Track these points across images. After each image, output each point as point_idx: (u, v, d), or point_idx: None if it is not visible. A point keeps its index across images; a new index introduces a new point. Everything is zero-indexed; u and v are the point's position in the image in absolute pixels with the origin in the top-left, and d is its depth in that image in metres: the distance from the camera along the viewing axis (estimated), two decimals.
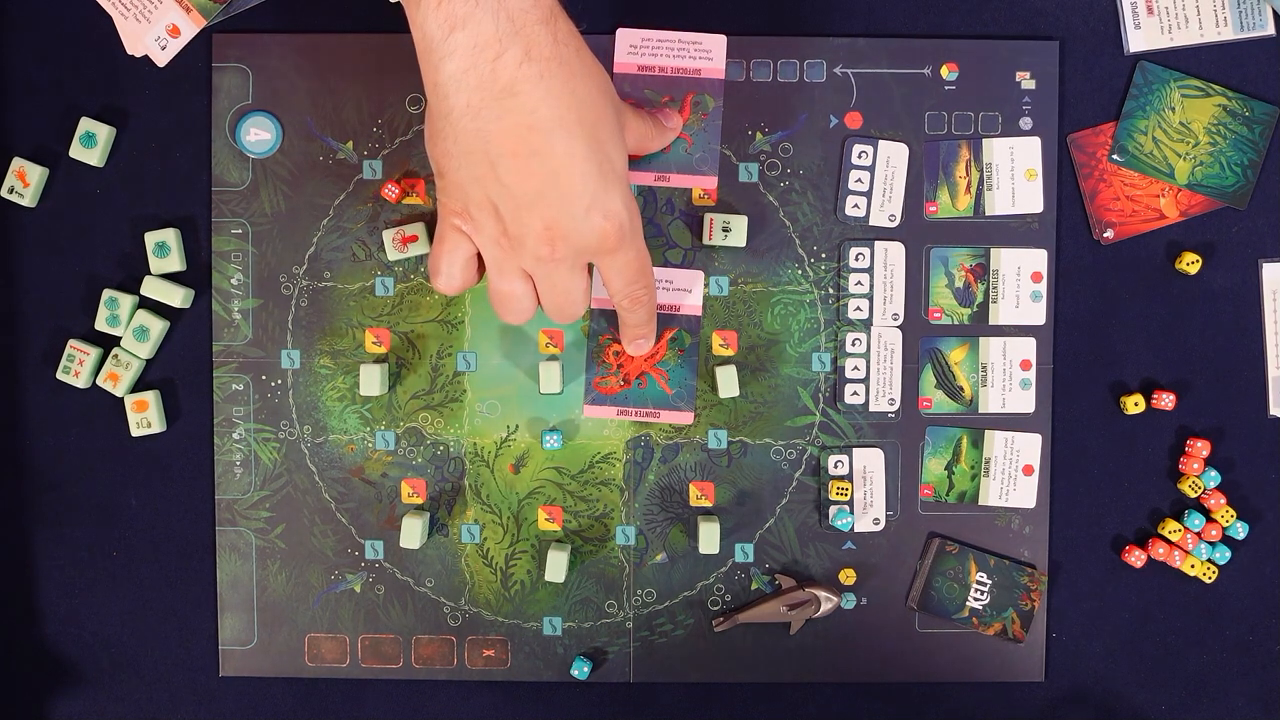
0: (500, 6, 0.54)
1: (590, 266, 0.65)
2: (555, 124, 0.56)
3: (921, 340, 0.74)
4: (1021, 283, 0.74)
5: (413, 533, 0.72)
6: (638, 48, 0.72)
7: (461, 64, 0.55)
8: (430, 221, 0.73)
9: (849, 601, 0.75)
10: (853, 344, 0.74)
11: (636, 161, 0.72)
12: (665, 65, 0.72)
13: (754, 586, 0.75)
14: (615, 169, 0.60)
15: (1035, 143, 0.73)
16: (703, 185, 0.73)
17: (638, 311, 0.67)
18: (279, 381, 0.74)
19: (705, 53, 0.72)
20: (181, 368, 0.74)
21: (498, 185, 0.58)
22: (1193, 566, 0.75)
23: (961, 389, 0.74)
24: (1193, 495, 0.75)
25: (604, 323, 0.73)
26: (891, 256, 0.73)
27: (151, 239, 0.72)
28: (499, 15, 0.54)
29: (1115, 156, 0.74)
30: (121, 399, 0.73)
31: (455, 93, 0.56)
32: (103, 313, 0.73)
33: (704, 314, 0.73)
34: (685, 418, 0.73)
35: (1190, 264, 0.73)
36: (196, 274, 0.73)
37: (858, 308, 0.74)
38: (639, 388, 0.73)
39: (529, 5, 0.55)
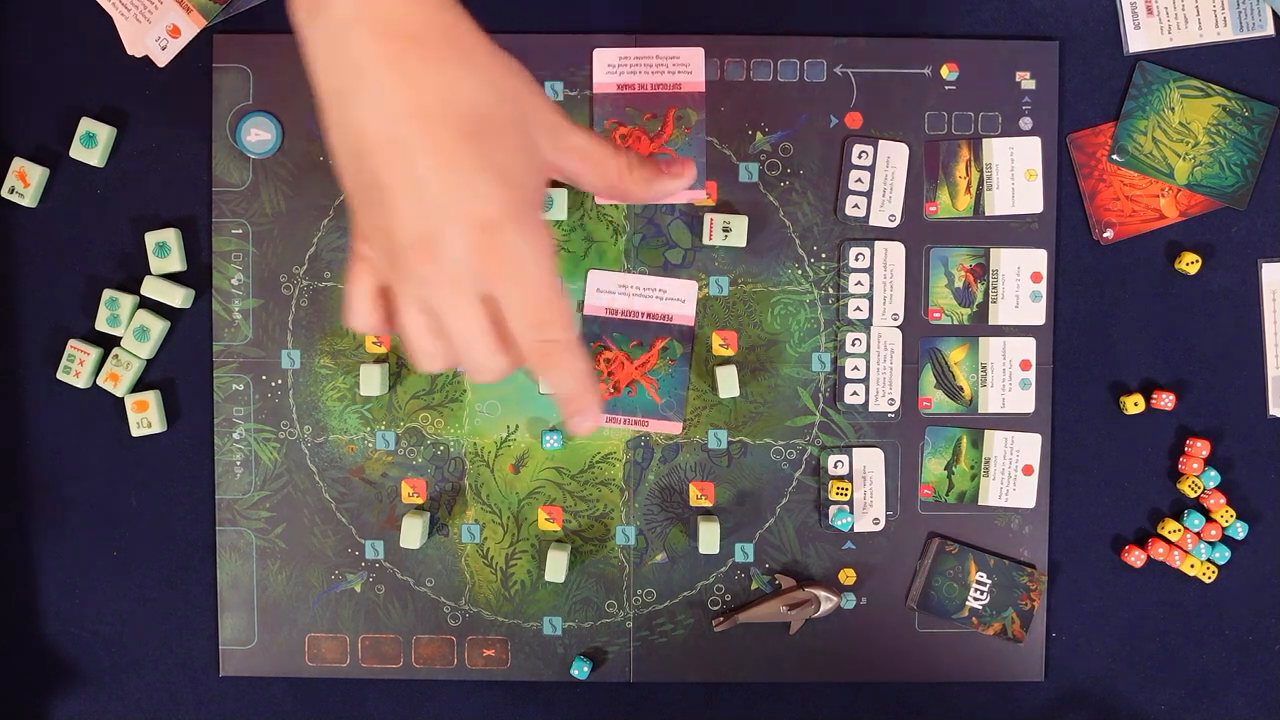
0: None
1: None
2: (418, 115, 0.49)
3: (921, 340, 0.74)
4: (1021, 283, 0.74)
5: (413, 533, 0.72)
6: (615, 66, 0.72)
7: (320, 44, 0.50)
8: None
9: (849, 601, 0.75)
10: (853, 344, 0.74)
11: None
12: (644, 82, 0.72)
13: (754, 586, 0.75)
14: (502, 171, 0.50)
15: (1035, 143, 0.73)
16: (691, 199, 0.73)
17: (555, 374, 0.53)
18: (279, 381, 0.74)
19: (684, 66, 0.72)
20: (181, 368, 0.74)
21: (368, 187, 0.50)
22: (1192, 566, 0.75)
23: (961, 389, 0.74)
24: (1192, 495, 0.75)
25: (595, 328, 0.73)
26: (891, 256, 0.73)
27: (152, 239, 0.72)
28: None
29: (1115, 156, 0.74)
30: (121, 399, 0.73)
31: (321, 79, 0.50)
32: (103, 313, 0.73)
33: (705, 314, 0.73)
34: (674, 427, 0.73)
35: (1190, 264, 0.73)
36: (197, 274, 0.73)
37: (858, 308, 0.74)
38: (629, 396, 0.73)
39: None
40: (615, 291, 0.73)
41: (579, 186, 0.57)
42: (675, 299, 0.73)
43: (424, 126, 0.49)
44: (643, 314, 0.73)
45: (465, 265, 0.50)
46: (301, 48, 0.51)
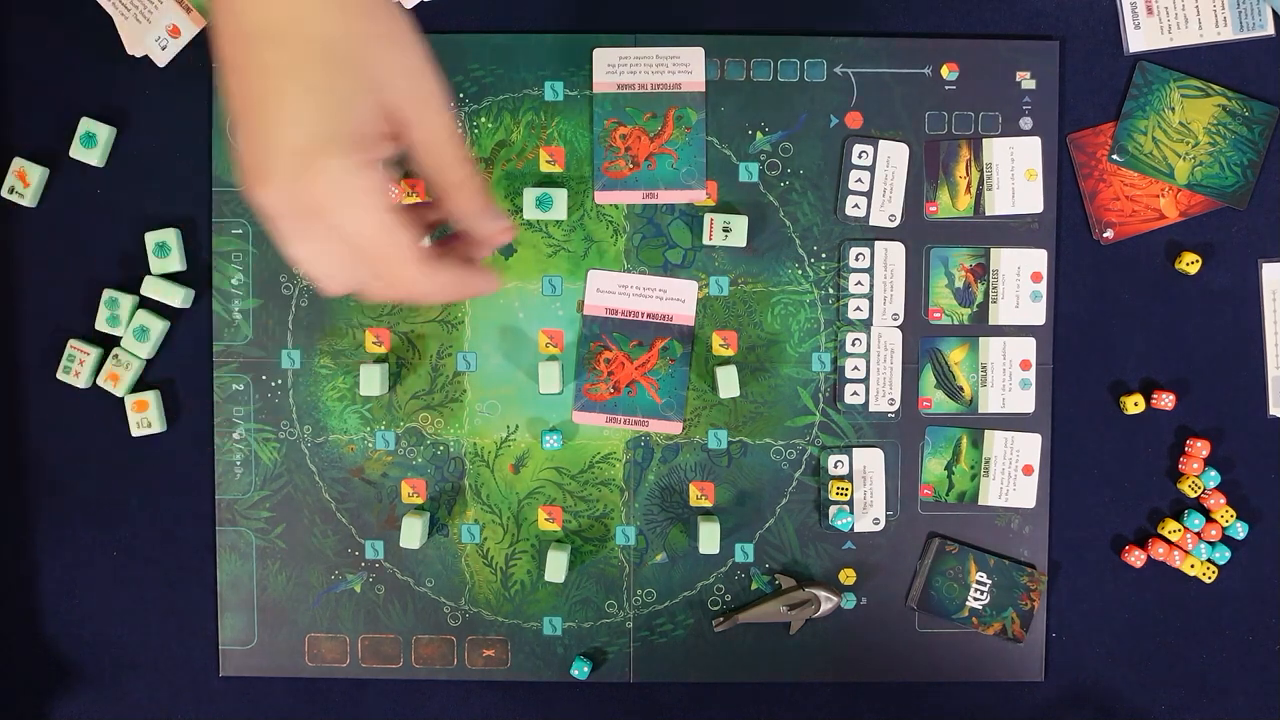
0: None
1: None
2: (261, 33, 0.49)
3: (921, 340, 0.74)
4: (1021, 283, 0.74)
5: (413, 533, 0.72)
6: (615, 66, 0.72)
7: None
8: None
9: (849, 601, 0.75)
10: (853, 344, 0.74)
11: (622, 180, 0.72)
12: (644, 81, 0.72)
13: (754, 586, 0.75)
14: (326, 104, 0.49)
15: (1035, 143, 0.73)
16: (691, 199, 0.73)
17: (391, 293, 0.53)
18: (279, 381, 0.74)
19: (684, 66, 0.72)
20: (181, 368, 0.74)
21: (231, 111, 0.51)
22: (1193, 566, 0.75)
23: (961, 389, 0.74)
24: (1192, 495, 0.75)
25: (595, 329, 0.73)
26: (891, 256, 0.73)
27: (151, 239, 0.72)
28: None
29: (1115, 156, 0.74)
30: (121, 399, 0.73)
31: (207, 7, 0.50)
32: (103, 313, 0.73)
33: (705, 314, 0.73)
34: (674, 427, 0.73)
35: (1190, 264, 0.73)
36: (197, 274, 0.73)
37: (858, 308, 0.74)
38: (629, 396, 0.73)
39: None
40: (615, 291, 0.73)
41: (414, 157, 0.53)
42: (675, 299, 0.73)
43: (268, 49, 0.49)
44: (643, 314, 0.73)
45: (288, 191, 0.49)
46: None
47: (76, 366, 0.73)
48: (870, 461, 0.74)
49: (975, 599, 0.74)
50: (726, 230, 0.72)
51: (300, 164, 0.48)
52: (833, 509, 0.73)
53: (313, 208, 0.49)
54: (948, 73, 0.73)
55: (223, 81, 0.50)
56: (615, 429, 0.74)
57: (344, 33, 0.50)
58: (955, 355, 0.74)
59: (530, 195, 0.72)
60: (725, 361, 0.73)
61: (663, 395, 0.73)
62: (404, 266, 0.51)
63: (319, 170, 0.49)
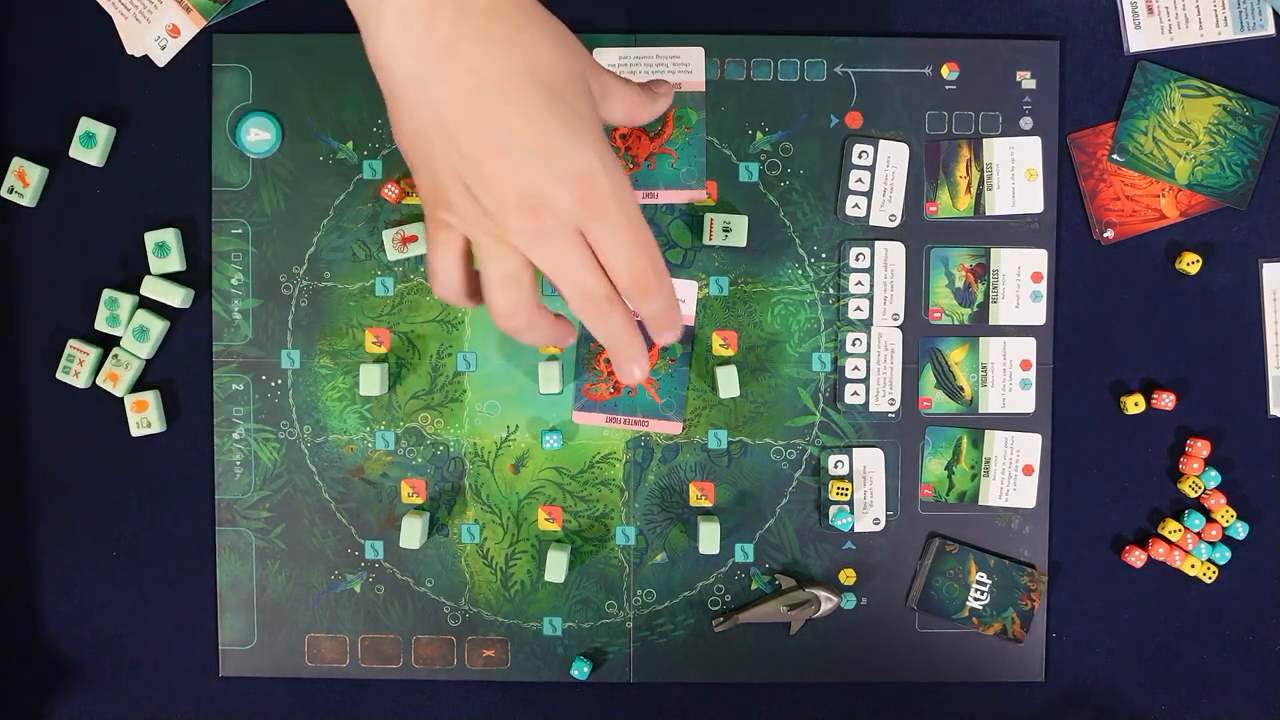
0: None
1: None
2: (504, 81, 0.52)
3: (921, 340, 0.74)
4: (1021, 283, 0.74)
5: (413, 533, 0.72)
6: (615, 66, 0.72)
7: (394, 30, 0.51)
8: None
9: (849, 601, 0.75)
10: (853, 344, 0.74)
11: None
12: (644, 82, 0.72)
13: (754, 586, 0.75)
14: (583, 123, 0.54)
15: (1035, 143, 0.73)
16: (691, 198, 0.73)
17: (652, 301, 0.58)
18: (279, 381, 0.74)
19: (684, 66, 0.72)
20: (181, 368, 0.74)
21: (461, 159, 0.53)
22: (1193, 566, 0.75)
23: (961, 389, 0.74)
24: (1193, 495, 0.75)
25: None
26: (892, 256, 0.73)
27: (151, 239, 0.72)
28: None
29: (1115, 156, 0.74)
30: (121, 399, 0.73)
31: (394, 63, 0.52)
32: (103, 313, 0.73)
33: (705, 314, 0.73)
34: (674, 427, 0.73)
35: (1190, 264, 0.73)
36: (196, 274, 0.73)
37: (858, 308, 0.74)
38: (628, 396, 0.73)
39: None
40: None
41: (609, 123, 0.60)
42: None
43: (512, 92, 0.52)
44: None
45: (571, 216, 0.54)
46: (367, 39, 0.53)
47: (76, 366, 0.73)
48: (870, 461, 0.74)
49: (975, 599, 0.74)
50: (726, 230, 0.72)
51: (583, 181, 0.53)
52: (833, 509, 0.73)
53: (593, 221, 0.54)
54: (948, 73, 0.73)
55: (430, 124, 0.53)
56: (615, 429, 0.74)
57: (563, 52, 0.55)
58: (955, 355, 0.74)
59: None
60: (725, 361, 0.73)
61: (663, 395, 0.73)
62: (659, 260, 0.57)
63: (599, 185, 0.54)
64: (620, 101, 0.60)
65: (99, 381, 0.73)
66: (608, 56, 0.72)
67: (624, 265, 0.56)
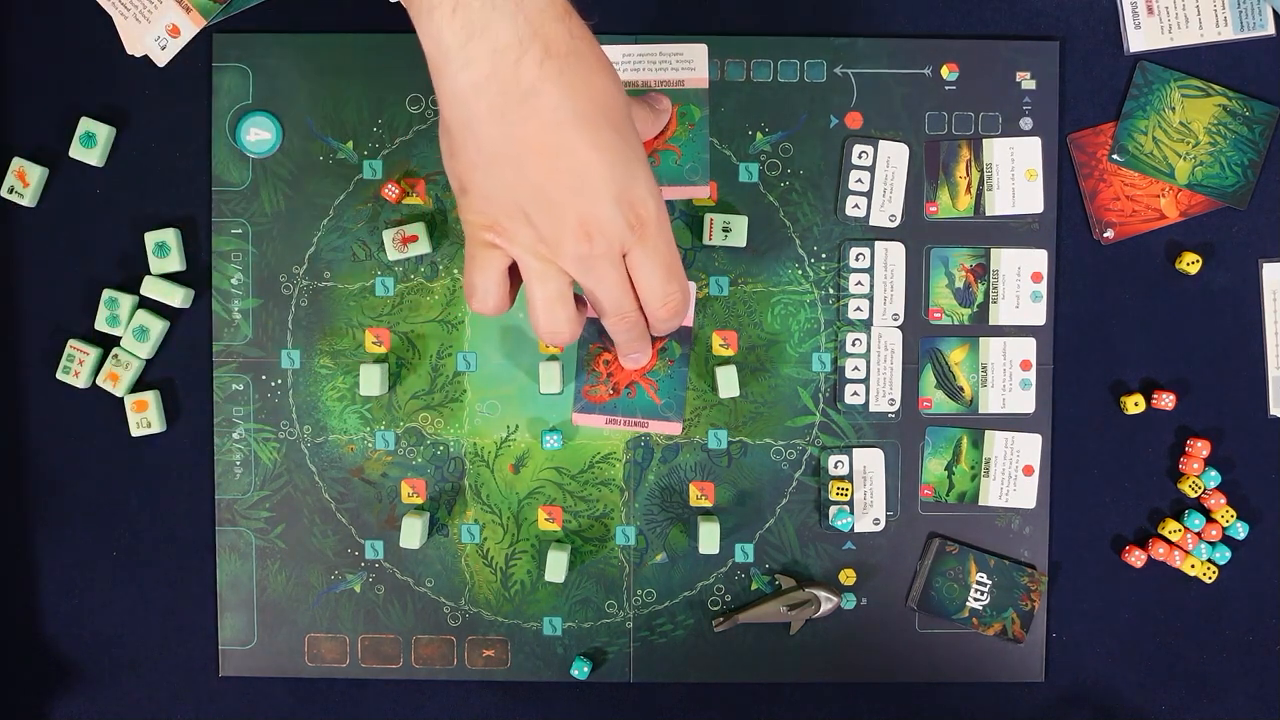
0: (518, 8, 0.53)
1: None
2: (580, 118, 0.56)
3: (921, 340, 0.74)
4: (1021, 283, 0.74)
5: (413, 533, 0.72)
6: (619, 63, 0.72)
7: (483, 71, 0.54)
8: (430, 222, 0.73)
9: (849, 601, 0.75)
10: (853, 344, 0.74)
11: None
12: (648, 79, 0.72)
13: (754, 586, 0.75)
14: (637, 155, 0.59)
15: (1035, 143, 0.73)
16: (694, 195, 0.73)
17: (675, 321, 0.64)
18: (279, 381, 0.74)
19: (687, 63, 0.72)
20: (181, 368, 0.74)
21: (528, 188, 0.57)
22: (1193, 566, 0.75)
23: (961, 389, 0.74)
24: (1193, 495, 0.75)
25: (594, 331, 0.73)
26: (892, 256, 0.73)
27: (151, 239, 0.72)
28: (517, 17, 0.53)
29: (1115, 156, 0.74)
30: (121, 399, 0.73)
31: (476, 100, 0.55)
32: (103, 313, 0.73)
33: (705, 314, 0.73)
34: (674, 428, 0.73)
35: (1190, 264, 0.73)
36: (196, 274, 0.73)
37: (858, 308, 0.74)
38: (628, 397, 0.73)
39: (544, 4, 0.54)
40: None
41: None
42: None
43: (585, 128, 0.56)
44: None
45: (620, 240, 0.58)
46: (443, 76, 0.55)
47: (76, 366, 0.73)
48: (870, 461, 0.74)
49: (975, 599, 0.74)
50: (726, 230, 0.72)
51: (633, 208, 0.58)
52: (833, 509, 0.73)
53: (638, 244, 0.59)
54: (948, 73, 0.73)
55: (512, 173, 0.56)
56: (615, 430, 0.74)
57: (620, 91, 0.59)
58: (955, 355, 0.74)
59: None
60: (725, 362, 0.73)
61: (662, 396, 0.73)
62: (686, 286, 0.63)
63: (648, 207, 0.59)
64: (638, 121, 0.64)
65: (99, 381, 0.73)
66: (612, 54, 0.72)
67: (659, 288, 0.61)
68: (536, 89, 0.55)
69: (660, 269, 0.60)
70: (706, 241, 0.72)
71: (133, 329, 0.72)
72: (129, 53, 0.72)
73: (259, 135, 0.73)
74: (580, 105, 0.56)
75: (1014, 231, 0.74)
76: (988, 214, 0.73)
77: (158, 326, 0.73)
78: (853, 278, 0.73)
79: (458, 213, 0.62)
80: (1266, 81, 0.73)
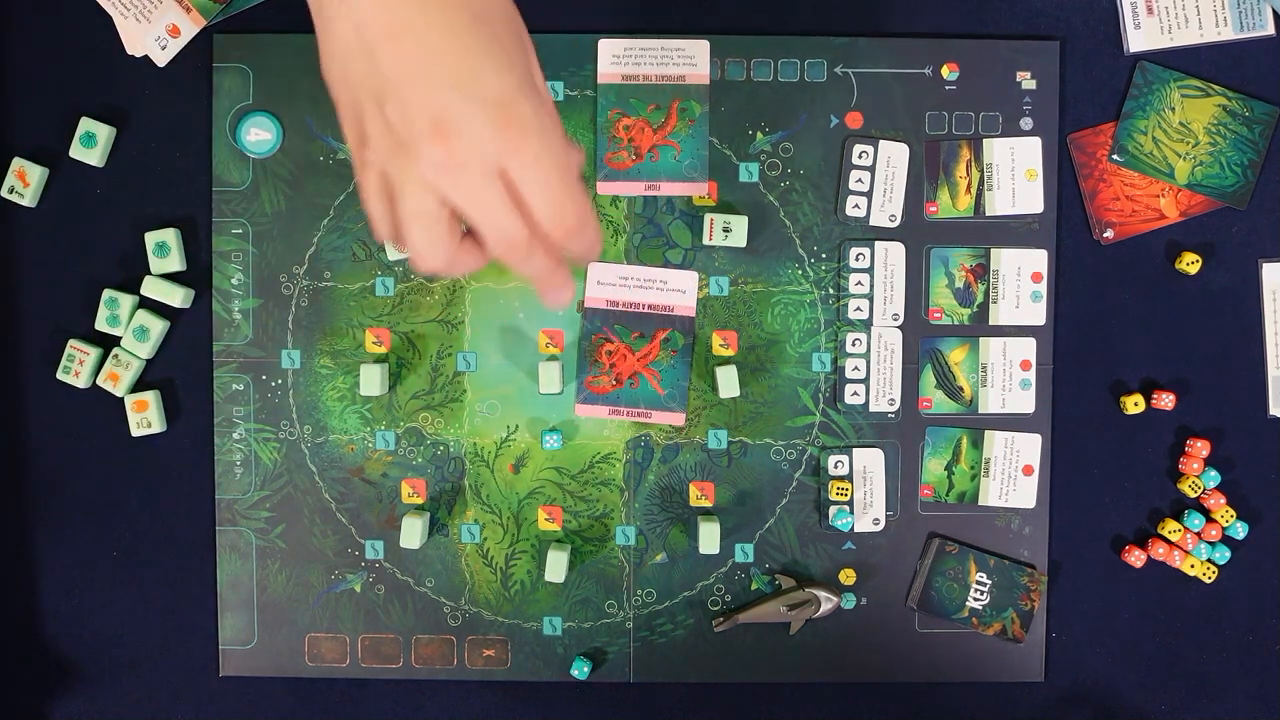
0: None
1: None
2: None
3: (921, 340, 0.74)
4: (1021, 283, 0.74)
5: (413, 533, 0.72)
6: (620, 57, 0.72)
7: None
8: None
9: (849, 601, 0.75)
10: (853, 344, 0.74)
11: (624, 171, 0.73)
12: (649, 73, 0.72)
13: (754, 586, 0.75)
14: (510, 56, 0.51)
15: (1035, 143, 0.73)
16: (693, 191, 0.73)
17: (574, 242, 0.53)
18: (279, 381, 0.74)
19: (689, 59, 0.72)
20: (181, 368, 0.74)
21: (378, 78, 0.50)
22: (1193, 566, 0.75)
23: (961, 389, 0.74)
24: (1193, 495, 0.75)
25: (597, 322, 0.73)
26: (892, 256, 0.73)
27: (151, 239, 0.72)
28: None
29: (1115, 156, 0.74)
30: (121, 399, 0.73)
31: None
32: (103, 313, 0.73)
33: (705, 314, 0.73)
34: (677, 418, 0.73)
35: (1190, 264, 0.73)
36: (196, 274, 0.73)
37: (858, 308, 0.74)
38: (631, 388, 0.73)
39: None
40: (616, 284, 0.73)
41: None
42: (676, 290, 0.73)
43: (439, 11, 0.50)
44: (644, 305, 0.73)
45: (485, 142, 0.50)
46: None
47: (76, 366, 0.73)
48: (870, 461, 0.74)
49: (975, 599, 0.74)
50: (726, 230, 0.72)
51: (501, 109, 0.50)
52: (833, 509, 0.73)
53: (510, 152, 0.50)
54: (948, 73, 0.73)
55: (352, 44, 0.51)
56: (616, 425, 0.74)
57: (507, 9, 0.52)
58: (955, 355, 0.74)
59: None
60: (725, 361, 0.73)
61: (665, 386, 0.73)
62: (584, 197, 0.53)
63: (520, 114, 0.50)
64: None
65: (99, 381, 0.73)
66: (613, 48, 0.72)
67: (545, 205, 0.52)
68: None
69: (544, 183, 0.51)
70: (706, 241, 0.72)
71: (133, 329, 0.72)
72: (129, 53, 0.72)
73: (259, 135, 0.73)
74: None
75: (1014, 231, 0.74)
76: (988, 214, 0.73)
77: (158, 326, 0.73)
78: (853, 278, 0.73)
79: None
80: (1266, 81, 0.73)
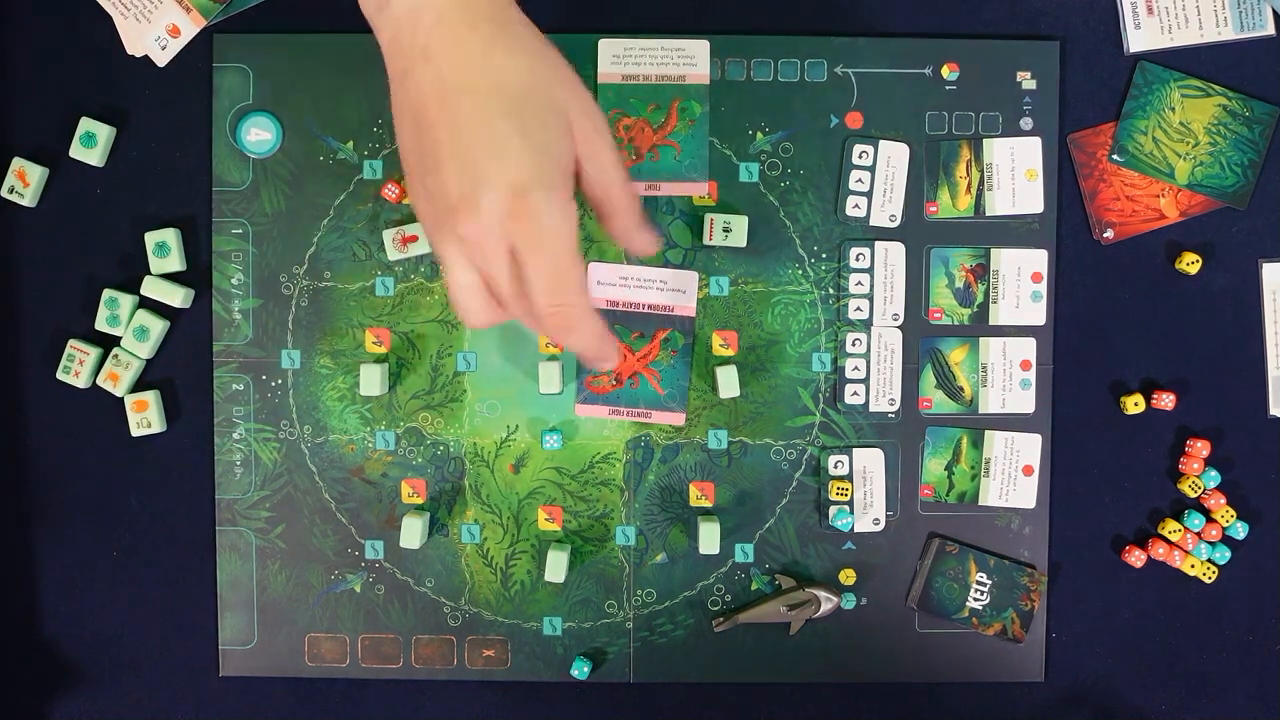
0: None
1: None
2: (465, 87, 0.55)
3: (921, 340, 0.74)
4: (1021, 283, 0.74)
5: (413, 533, 0.72)
6: (620, 57, 0.72)
7: (391, 33, 0.57)
8: None
9: (849, 601, 0.75)
10: (853, 344, 0.74)
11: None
12: (649, 73, 0.72)
13: (754, 586, 0.75)
14: (539, 144, 0.56)
15: (1035, 143, 0.73)
16: (693, 191, 0.73)
17: (572, 337, 0.58)
18: (279, 381, 0.74)
19: (689, 59, 0.72)
20: (181, 368, 0.74)
21: (419, 151, 0.57)
22: (1193, 566, 0.75)
23: (961, 389, 0.74)
24: (1193, 495, 0.75)
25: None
26: (892, 256, 0.73)
27: (151, 239, 0.72)
28: None
29: (1115, 156, 0.74)
30: (121, 399, 0.73)
31: (390, 61, 0.57)
32: (103, 313, 0.73)
33: (705, 314, 0.73)
34: (677, 418, 0.73)
35: (1190, 264, 0.73)
36: (196, 274, 0.73)
37: (858, 308, 0.74)
38: (631, 388, 0.73)
39: None
40: (616, 284, 0.73)
41: (584, 183, 0.60)
42: (676, 290, 0.73)
43: (474, 100, 0.55)
44: (644, 305, 0.73)
45: (497, 223, 0.55)
46: (376, 33, 0.58)
47: (76, 366, 0.73)
48: (870, 461, 0.74)
49: (975, 599, 0.74)
50: (726, 230, 0.72)
51: (515, 197, 0.55)
52: (833, 509, 0.73)
53: (517, 238, 0.55)
54: (948, 73, 0.73)
55: (407, 124, 0.57)
56: (616, 425, 0.74)
57: (539, 81, 0.57)
58: (955, 355, 0.74)
59: None
60: (725, 361, 0.73)
61: (665, 386, 0.73)
62: (580, 298, 0.57)
63: (530, 201, 0.55)
64: (597, 167, 0.59)
65: (99, 381, 0.73)
66: (613, 48, 0.72)
67: (540, 297, 0.56)
68: (428, 52, 0.56)
69: (544, 275, 0.56)
70: (706, 241, 0.72)
71: (133, 329, 0.72)
72: (129, 53, 0.72)
73: (259, 135, 0.73)
74: (469, 76, 0.55)
75: (1014, 231, 0.74)
76: (988, 214, 0.73)
77: (158, 326, 0.73)
78: (853, 278, 0.73)
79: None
80: (1266, 81, 0.73)
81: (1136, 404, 0.73)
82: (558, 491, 0.74)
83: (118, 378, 0.73)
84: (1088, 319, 0.74)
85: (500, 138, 0.55)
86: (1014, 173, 0.73)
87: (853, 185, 0.73)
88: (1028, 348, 0.74)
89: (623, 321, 0.73)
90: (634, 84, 0.72)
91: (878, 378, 0.74)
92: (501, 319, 0.59)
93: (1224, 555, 0.75)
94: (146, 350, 0.73)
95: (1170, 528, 0.74)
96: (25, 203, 0.73)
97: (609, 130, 0.59)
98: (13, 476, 0.74)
